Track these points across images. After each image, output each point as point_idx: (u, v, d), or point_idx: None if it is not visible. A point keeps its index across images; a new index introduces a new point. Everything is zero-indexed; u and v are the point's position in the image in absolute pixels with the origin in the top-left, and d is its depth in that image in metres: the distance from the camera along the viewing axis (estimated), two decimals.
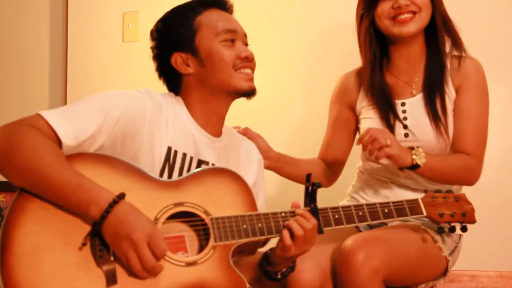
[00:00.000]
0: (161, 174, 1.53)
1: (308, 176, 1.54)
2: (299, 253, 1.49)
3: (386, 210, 1.60)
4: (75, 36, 3.03)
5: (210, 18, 1.63)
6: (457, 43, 1.92)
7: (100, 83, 2.95)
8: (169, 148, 1.54)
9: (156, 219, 1.40)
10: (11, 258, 1.27)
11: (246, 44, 1.67)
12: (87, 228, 1.33)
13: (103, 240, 1.32)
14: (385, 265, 1.62)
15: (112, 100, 1.47)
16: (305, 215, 1.49)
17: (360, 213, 1.57)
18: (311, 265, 1.66)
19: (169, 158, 1.54)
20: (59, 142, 1.36)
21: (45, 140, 1.34)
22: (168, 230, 1.43)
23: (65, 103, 2.99)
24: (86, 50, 3.02)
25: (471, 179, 1.86)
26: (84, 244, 1.32)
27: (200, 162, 1.60)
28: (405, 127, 1.89)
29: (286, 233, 1.46)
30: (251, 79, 1.63)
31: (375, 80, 1.93)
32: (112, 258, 1.33)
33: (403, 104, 1.91)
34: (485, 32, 2.57)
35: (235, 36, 1.62)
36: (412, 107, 1.90)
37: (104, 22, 3.01)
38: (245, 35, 1.67)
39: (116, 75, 2.95)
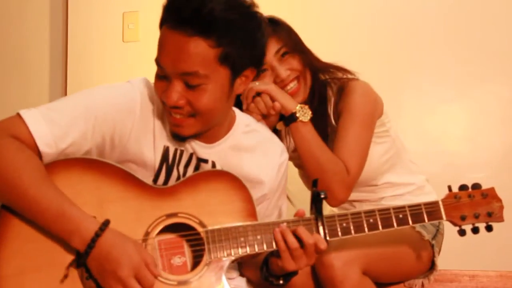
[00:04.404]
0: (157, 175, 1.44)
1: (315, 181, 1.43)
2: (301, 266, 1.37)
3: (400, 216, 1.44)
4: (75, 36, 3.03)
5: (160, 37, 1.35)
6: (341, 72, 1.89)
7: (100, 83, 2.92)
8: (166, 147, 1.44)
9: (147, 233, 1.33)
10: None
11: (194, 86, 1.32)
12: (72, 249, 1.26)
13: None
14: (359, 255, 1.62)
15: (98, 100, 1.38)
16: (306, 230, 1.36)
17: (371, 220, 1.42)
18: None
19: (167, 158, 1.44)
20: (38, 150, 1.30)
21: (26, 156, 1.27)
22: (163, 237, 1.36)
23: None
24: (86, 50, 3.02)
25: (335, 188, 1.70)
26: (66, 276, 1.26)
27: (199, 160, 1.48)
28: None
29: (282, 245, 1.35)
30: (176, 125, 1.38)
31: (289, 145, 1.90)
32: (98, 280, 1.26)
33: None
34: (486, 32, 2.57)
35: (166, 73, 1.34)
36: None
37: (104, 22, 3.00)
38: (185, 74, 1.31)
39: (116, 75, 2.94)
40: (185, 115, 1.37)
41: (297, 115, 1.73)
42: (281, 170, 1.58)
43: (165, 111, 1.41)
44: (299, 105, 1.74)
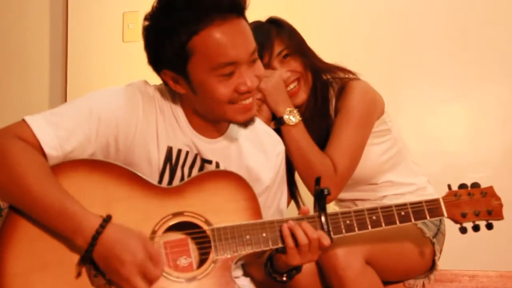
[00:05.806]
0: (162, 176, 1.45)
1: (318, 179, 1.45)
2: (305, 261, 1.40)
3: (402, 213, 1.48)
4: (75, 36, 3.03)
5: (207, 43, 1.35)
6: (343, 72, 1.92)
7: (100, 83, 2.95)
8: (170, 148, 1.45)
9: (154, 231, 1.34)
10: (3, 281, 1.24)
11: (255, 60, 1.41)
12: (78, 246, 1.28)
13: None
14: (363, 247, 1.63)
15: (100, 103, 1.40)
16: (310, 225, 1.39)
17: (374, 218, 1.45)
18: None
19: (171, 158, 1.45)
20: (43, 153, 1.32)
21: (31, 155, 1.29)
22: (169, 236, 1.37)
23: None
24: (86, 50, 3.02)
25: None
26: (79, 274, 1.28)
27: (203, 162, 1.49)
28: None
29: (290, 241, 1.37)
30: (249, 109, 1.43)
31: None
32: (107, 277, 1.28)
33: None
34: (486, 32, 2.58)
35: (236, 67, 1.37)
36: None
37: (104, 22, 3.01)
38: (254, 52, 1.39)
39: (116, 75, 2.94)
40: (255, 92, 1.44)
41: (284, 118, 1.79)
42: (279, 160, 1.60)
43: (225, 107, 1.40)
44: (288, 109, 1.80)
